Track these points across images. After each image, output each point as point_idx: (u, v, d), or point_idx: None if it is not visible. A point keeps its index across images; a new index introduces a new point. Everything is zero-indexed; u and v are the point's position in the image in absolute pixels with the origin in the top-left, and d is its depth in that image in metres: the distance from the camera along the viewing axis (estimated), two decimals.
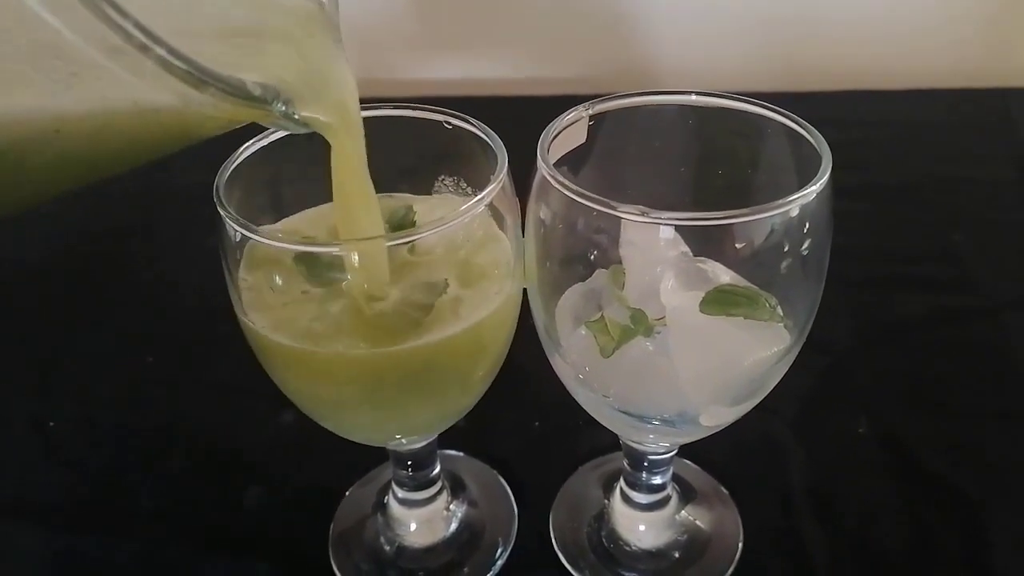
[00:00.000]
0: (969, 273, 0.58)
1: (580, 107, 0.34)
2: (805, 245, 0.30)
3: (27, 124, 0.21)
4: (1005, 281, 0.57)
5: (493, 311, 0.30)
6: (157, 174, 0.64)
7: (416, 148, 0.36)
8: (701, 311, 0.31)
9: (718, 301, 0.31)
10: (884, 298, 0.55)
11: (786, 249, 0.30)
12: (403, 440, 0.37)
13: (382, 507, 0.42)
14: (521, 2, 0.79)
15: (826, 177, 0.30)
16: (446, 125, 0.35)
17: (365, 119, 0.35)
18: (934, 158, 0.70)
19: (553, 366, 0.35)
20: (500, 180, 0.30)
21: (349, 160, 0.29)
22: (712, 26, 0.78)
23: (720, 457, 0.45)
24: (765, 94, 0.80)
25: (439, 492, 0.41)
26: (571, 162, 0.35)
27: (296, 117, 0.25)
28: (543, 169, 0.30)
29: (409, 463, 0.39)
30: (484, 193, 0.29)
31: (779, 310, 0.32)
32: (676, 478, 0.42)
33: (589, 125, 0.35)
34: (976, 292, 0.56)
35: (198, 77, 0.21)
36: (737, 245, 0.30)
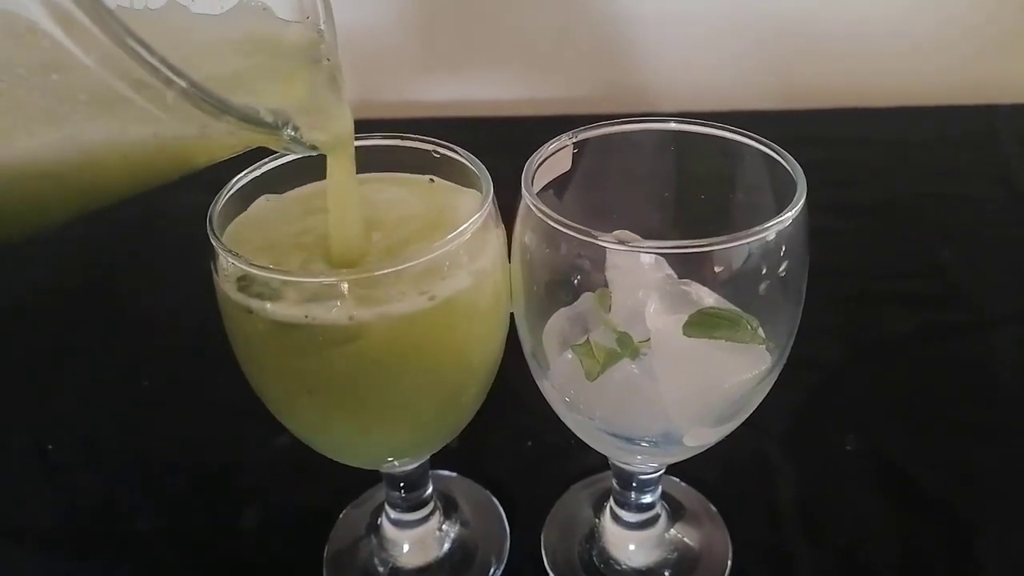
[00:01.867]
0: (956, 289, 0.58)
1: (564, 136, 0.35)
2: (782, 268, 0.31)
3: (59, 155, 0.22)
4: (992, 296, 0.57)
5: (462, 290, 0.31)
6: (151, 198, 0.65)
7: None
8: (684, 334, 0.32)
9: (700, 324, 0.32)
10: (872, 314, 0.56)
11: (764, 272, 0.31)
12: (395, 463, 0.38)
13: (375, 528, 0.43)
14: (518, 26, 0.80)
15: (801, 203, 0.30)
16: (435, 154, 0.35)
17: (360, 148, 0.37)
18: (921, 175, 0.71)
19: (541, 390, 0.36)
20: (486, 209, 0.31)
21: (344, 173, 0.31)
22: (702, 46, 0.79)
23: (709, 475, 0.45)
24: (755, 113, 0.82)
25: (432, 513, 0.42)
26: (557, 187, 0.36)
27: (303, 141, 0.27)
28: (527, 199, 0.31)
29: (402, 484, 0.40)
30: (468, 223, 0.30)
31: (761, 331, 0.33)
32: (665, 496, 0.43)
33: (574, 152, 0.36)
34: (964, 308, 0.57)
35: (217, 107, 0.22)
36: (716, 269, 0.31)
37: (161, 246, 0.66)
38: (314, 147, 0.29)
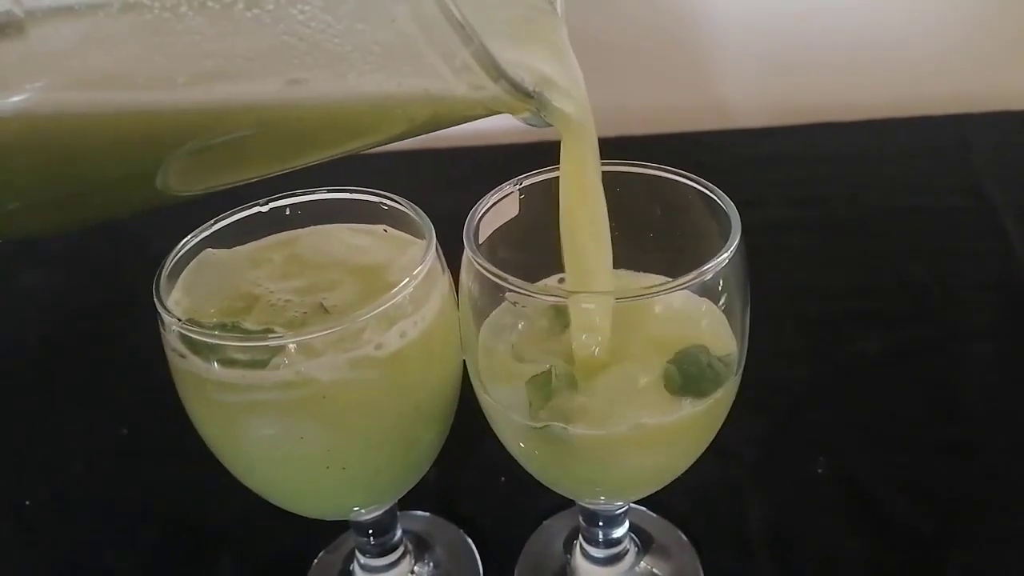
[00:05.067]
0: (927, 304, 0.58)
1: (508, 183, 0.36)
2: (722, 301, 0.32)
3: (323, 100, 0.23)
4: (963, 311, 0.57)
5: (409, 341, 0.31)
6: (127, 246, 0.66)
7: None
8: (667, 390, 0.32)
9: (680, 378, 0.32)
10: (842, 335, 0.56)
11: (704, 310, 0.32)
12: (362, 511, 0.38)
13: (348, 574, 0.43)
14: None
15: (736, 242, 0.31)
16: (383, 206, 0.36)
17: (313, 202, 0.37)
18: (891, 189, 0.71)
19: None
20: (428, 263, 0.32)
21: (584, 154, 0.29)
22: (671, 67, 0.80)
23: (679, 503, 0.45)
24: (725, 132, 0.82)
25: (402, 556, 0.42)
26: (508, 229, 0.37)
27: (550, 108, 0.26)
28: (468, 253, 0.32)
29: (370, 531, 0.40)
30: (407, 280, 0.31)
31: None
32: (635, 528, 0.43)
33: (521, 198, 0.36)
34: (934, 323, 0.57)
35: (497, 71, 0.22)
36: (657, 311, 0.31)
37: (136, 294, 0.66)
38: (554, 119, 0.27)
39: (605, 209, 0.31)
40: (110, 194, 0.25)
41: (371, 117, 0.24)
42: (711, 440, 0.34)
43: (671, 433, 0.31)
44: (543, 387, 0.32)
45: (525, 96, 0.24)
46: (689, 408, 0.31)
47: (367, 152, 0.28)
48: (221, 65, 0.22)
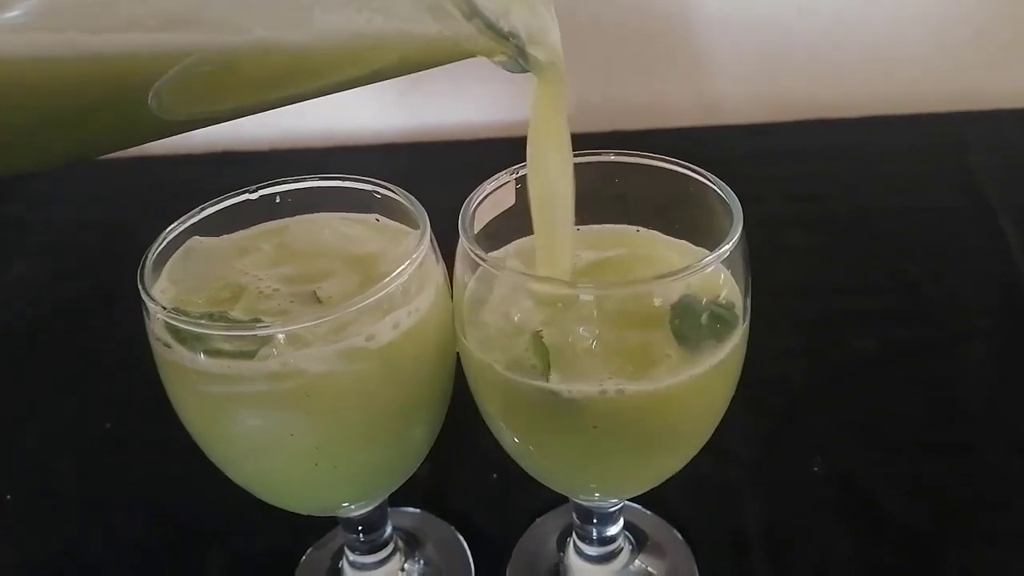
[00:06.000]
0: (924, 304, 0.58)
1: (503, 173, 0.35)
2: (722, 296, 0.31)
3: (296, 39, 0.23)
4: (960, 311, 0.57)
5: (402, 332, 0.30)
6: (114, 237, 0.65)
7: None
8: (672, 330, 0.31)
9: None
10: (838, 334, 0.55)
11: (704, 302, 0.31)
12: (351, 507, 0.37)
13: (337, 572, 0.42)
14: None
15: (737, 235, 0.30)
16: (376, 195, 0.35)
17: (305, 189, 0.37)
18: (887, 186, 0.70)
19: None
20: (421, 252, 0.31)
21: (555, 100, 0.29)
22: (663, 61, 0.79)
23: (674, 501, 0.45)
24: (722, 127, 0.81)
25: (392, 553, 0.41)
26: (504, 219, 0.36)
27: (526, 54, 0.26)
28: (464, 243, 0.31)
29: (360, 527, 0.40)
30: (401, 268, 0.30)
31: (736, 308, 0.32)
32: (630, 526, 0.43)
33: (517, 188, 0.36)
34: (931, 323, 0.56)
35: (471, 8, 0.22)
36: (656, 303, 0.31)
37: (125, 285, 0.65)
38: (529, 64, 0.27)
39: (572, 163, 0.31)
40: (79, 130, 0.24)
41: (340, 57, 0.23)
42: (710, 433, 0.34)
43: (677, 399, 0.31)
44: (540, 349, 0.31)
45: (500, 37, 0.24)
46: (697, 368, 0.30)
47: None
48: (189, 5, 0.21)
